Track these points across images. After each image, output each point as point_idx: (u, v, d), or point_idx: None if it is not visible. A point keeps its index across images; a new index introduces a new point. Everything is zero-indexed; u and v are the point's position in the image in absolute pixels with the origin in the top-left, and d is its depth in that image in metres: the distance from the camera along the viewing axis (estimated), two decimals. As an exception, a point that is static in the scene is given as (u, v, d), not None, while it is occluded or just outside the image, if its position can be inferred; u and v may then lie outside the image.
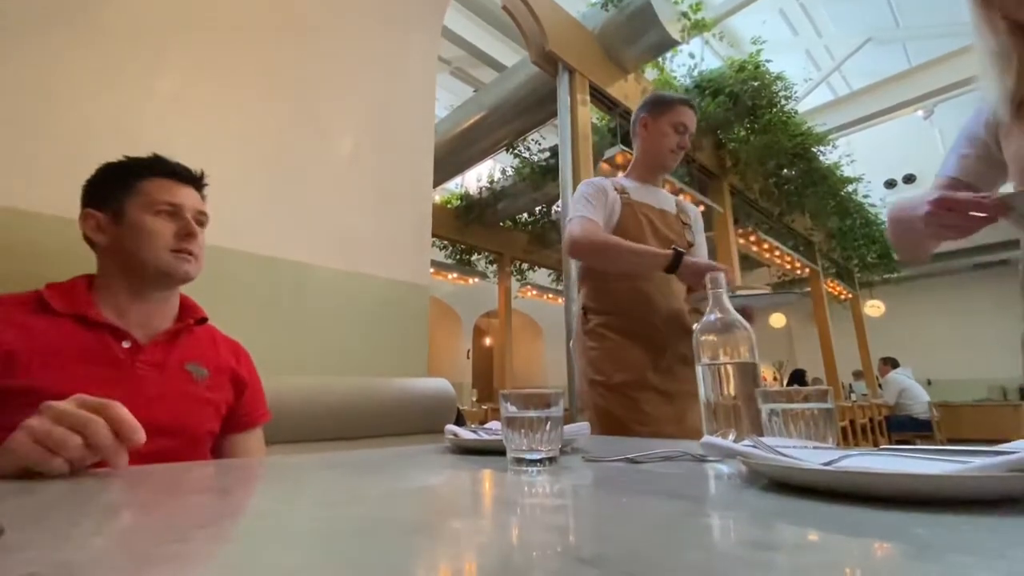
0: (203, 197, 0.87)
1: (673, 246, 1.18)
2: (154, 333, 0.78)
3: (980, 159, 0.85)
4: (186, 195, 0.82)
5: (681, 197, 1.51)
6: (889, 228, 0.94)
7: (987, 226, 0.72)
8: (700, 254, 1.42)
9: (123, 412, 0.49)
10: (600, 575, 0.20)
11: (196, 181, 0.86)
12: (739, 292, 1.19)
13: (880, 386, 6.73)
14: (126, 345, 0.74)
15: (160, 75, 1.14)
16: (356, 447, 1.11)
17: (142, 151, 0.83)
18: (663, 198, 1.44)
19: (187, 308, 0.86)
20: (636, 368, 1.24)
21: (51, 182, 0.95)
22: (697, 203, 4.60)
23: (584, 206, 1.31)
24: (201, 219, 0.84)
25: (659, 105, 1.39)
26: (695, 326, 0.74)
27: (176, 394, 0.75)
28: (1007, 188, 0.84)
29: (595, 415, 1.25)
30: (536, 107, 4.02)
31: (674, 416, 1.21)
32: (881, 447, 0.47)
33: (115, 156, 0.82)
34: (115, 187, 0.79)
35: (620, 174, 1.48)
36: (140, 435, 0.49)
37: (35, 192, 0.94)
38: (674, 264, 1.14)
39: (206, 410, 0.79)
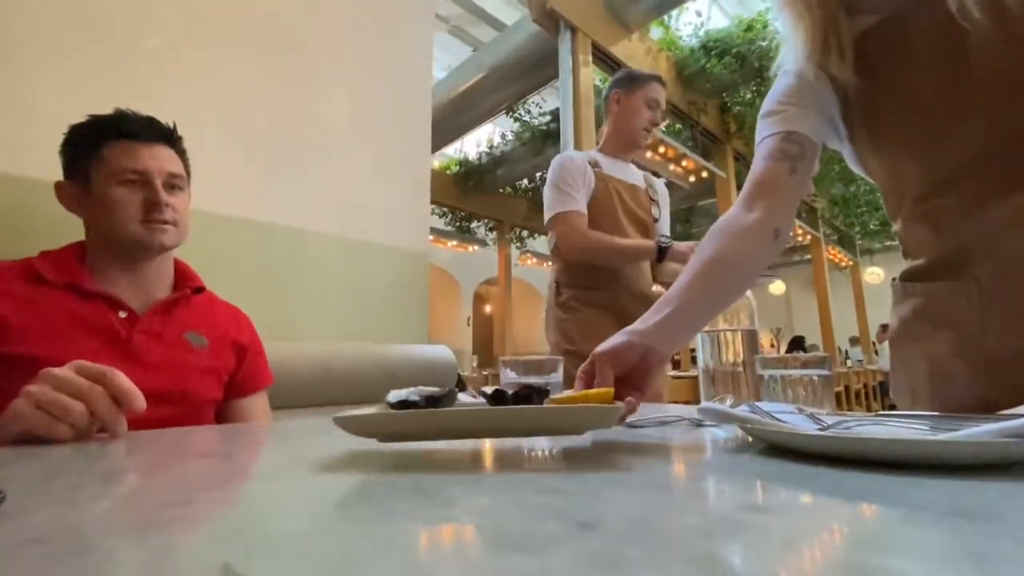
0: (180, 152, 0.81)
1: (657, 238, 1.31)
2: (150, 302, 0.78)
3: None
4: (152, 157, 0.75)
5: (649, 174, 1.59)
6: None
7: None
8: (663, 228, 1.51)
9: (122, 379, 0.49)
10: (597, 538, 0.20)
11: (164, 136, 0.78)
12: None
13: (876, 352, 6.81)
14: (122, 315, 0.73)
15: (149, 33, 1.10)
16: (358, 412, 1.13)
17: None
18: (633, 173, 1.49)
19: (184, 276, 0.85)
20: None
21: (35, 145, 0.92)
22: (700, 168, 4.53)
23: (563, 197, 1.34)
24: (174, 182, 0.78)
25: (632, 81, 1.44)
26: None
27: (176, 363, 0.76)
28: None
29: (567, 384, 1.23)
30: (537, 68, 3.91)
31: None
32: (878, 412, 0.47)
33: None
34: (80, 154, 0.74)
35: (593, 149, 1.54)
36: (140, 402, 0.49)
37: (19, 156, 0.92)
38: (660, 255, 1.26)
39: (207, 378, 0.80)
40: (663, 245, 1.25)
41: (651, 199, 1.49)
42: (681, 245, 1.28)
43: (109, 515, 0.26)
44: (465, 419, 0.39)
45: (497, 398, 0.42)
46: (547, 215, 1.38)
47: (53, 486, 0.32)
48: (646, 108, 1.40)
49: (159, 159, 0.76)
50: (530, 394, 0.41)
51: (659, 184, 1.56)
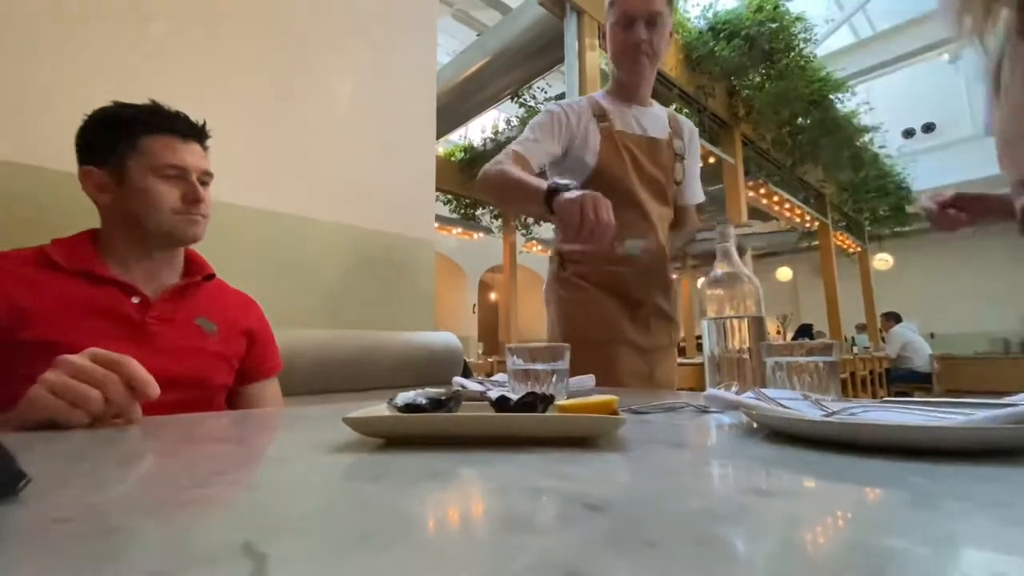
0: (206, 150, 0.83)
1: (551, 181, 0.92)
2: (162, 289, 0.79)
3: None
4: (190, 154, 0.78)
5: (673, 109, 1.33)
6: None
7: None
8: (691, 183, 1.25)
9: (137, 367, 0.50)
10: (605, 520, 0.21)
11: (199, 136, 0.82)
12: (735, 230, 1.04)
13: (883, 339, 6.78)
14: (135, 301, 0.74)
15: (151, 19, 1.09)
16: (367, 399, 1.14)
17: (132, 99, 0.78)
18: (652, 120, 1.19)
19: (194, 264, 0.86)
20: (612, 323, 1.15)
21: (45, 135, 0.93)
22: (707, 153, 4.47)
23: (524, 139, 1.11)
24: (206, 179, 0.81)
25: (608, 7, 1.15)
26: (700, 281, 0.73)
27: (188, 348, 0.77)
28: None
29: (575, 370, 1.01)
30: (542, 52, 3.84)
31: (646, 372, 1.16)
32: (883, 399, 0.48)
33: (99, 104, 0.77)
34: (114, 142, 0.75)
35: (601, 90, 1.24)
36: (154, 390, 0.50)
37: (30, 145, 0.92)
38: (546, 201, 0.89)
39: (218, 364, 0.81)
40: (554, 187, 0.90)
41: (675, 153, 1.21)
42: (576, 195, 0.86)
43: (130, 497, 0.27)
44: (469, 425, 0.40)
45: (502, 404, 0.42)
46: None
47: (74, 469, 0.33)
48: (620, 30, 1.12)
49: (196, 156, 0.79)
50: (534, 401, 0.42)
51: (686, 126, 1.26)
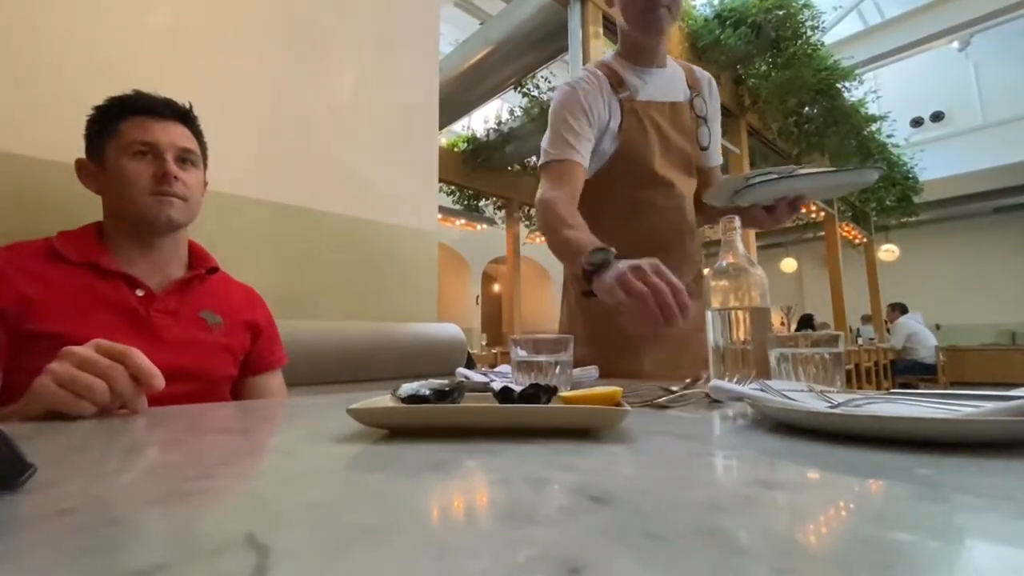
0: (196, 133, 0.82)
1: (587, 258, 0.74)
2: (166, 281, 0.79)
3: None
4: (164, 131, 0.76)
5: (689, 65, 1.13)
6: None
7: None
8: (715, 144, 1.13)
9: (142, 359, 0.50)
10: (610, 512, 0.21)
11: (179, 115, 0.79)
12: (792, 172, 0.90)
13: (888, 331, 6.76)
14: (140, 293, 0.75)
15: (153, 9, 1.08)
16: (371, 390, 1.15)
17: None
18: (672, 82, 1.07)
19: (198, 257, 0.86)
20: (630, 341, 1.00)
21: (50, 127, 0.92)
22: (712, 144, 4.43)
23: (560, 138, 0.97)
24: (186, 156, 0.78)
25: None
26: (706, 271, 0.73)
27: (192, 341, 0.77)
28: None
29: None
30: (546, 41, 3.81)
31: (669, 363, 1.02)
32: (890, 391, 0.47)
33: (104, 97, 0.78)
34: (98, 132, 0.76)
35: (608, 51, 1.09)
36: (159, 381, 0.50)
37: (35, 138, 0.92)
38: (586, 280, 0.75)
39: (222, 356, 0.81)
40: (589, 267, 0.74)
41: (696, 116, 1.08)
42: (618, 269, 0.68)
43: (135, 487, 0.27)
44: (472, 416, 0.40)
45: (505, 395, 0.42)
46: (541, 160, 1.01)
47: (79, 460, 0.33)
48: None
49: (171, 134, 0.77)
50: (537, 393, 0.42)
51: (704, 80, 1.11)
